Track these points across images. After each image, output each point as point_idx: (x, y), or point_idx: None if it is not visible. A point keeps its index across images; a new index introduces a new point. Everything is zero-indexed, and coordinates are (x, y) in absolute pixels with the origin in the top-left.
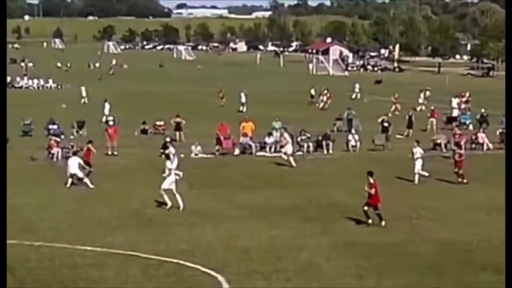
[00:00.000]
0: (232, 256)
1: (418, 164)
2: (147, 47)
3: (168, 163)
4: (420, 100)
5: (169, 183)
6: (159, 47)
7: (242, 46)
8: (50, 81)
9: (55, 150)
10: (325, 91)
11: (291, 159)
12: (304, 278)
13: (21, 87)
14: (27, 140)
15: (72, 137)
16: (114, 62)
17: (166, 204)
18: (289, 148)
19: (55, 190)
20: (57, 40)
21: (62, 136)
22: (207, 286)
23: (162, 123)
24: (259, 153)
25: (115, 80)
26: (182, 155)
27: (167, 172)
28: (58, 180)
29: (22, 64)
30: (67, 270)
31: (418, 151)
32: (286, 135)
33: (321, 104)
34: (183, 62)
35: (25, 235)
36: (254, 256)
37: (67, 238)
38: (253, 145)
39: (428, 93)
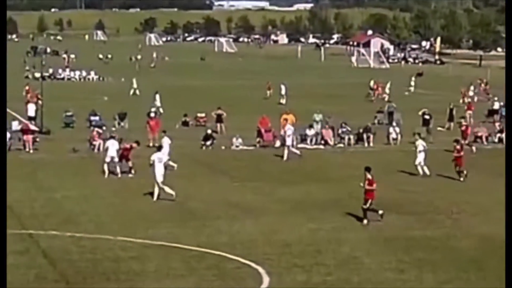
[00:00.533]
0: (273, 249)
1: (421, 157)
2: (188, 39)
3: (158, 154)
4: (470, 93)
5: (160, 174)
6: (200, 39)
7: (283, 39)
8: (92, 73)
9: (96, 141)
10: (386, 84)
11: (292, 150)
12: (345, 271)
13: (63, 78)
14: (69, 132)
15: (113, 128)
16: (155, 54)
17: (172, 195)
18: (288, 140)
19: (97, 182)
20: (99, 32)
21: (104, 128)
22: (248, 278)
23: (203, 115)
24: (299, 145)
25: (157, 73)
26: (223, 147)
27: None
28: (100, 172)
29: (64, 56)
30: (108, 263)
31: (420, 143)
32: (289, 126)
33: (382, 96)
34: (224, 55)
35: (67, 227)
36: (295, 250)
37: (109, 231)
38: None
39: (483, 85)
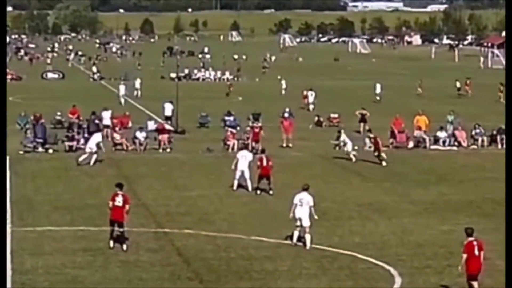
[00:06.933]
0: (405, 250)
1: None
2: (322, 40)
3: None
4: None
5: None
6: (334, 40)
7: (417, 40)
8: (227, 73)
9: (231, 141)
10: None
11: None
12: None
13: (198, 79)
14: (204, 132)
15: (247, 129)
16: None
17: None
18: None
19: (231, 181)
20: (234, 33)
21: (238, 128)
22: (380, 279)
23: (336, 115)
24: (432, 147)
25: (291, 73)
26: (356, 147)
27: None
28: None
29: (200, 56)
30: (242, 262)
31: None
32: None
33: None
34: (358, 56)
35: (201, 225)
36: (427, 251)
37: (242, 230)
38: (427, 138)
39: None
